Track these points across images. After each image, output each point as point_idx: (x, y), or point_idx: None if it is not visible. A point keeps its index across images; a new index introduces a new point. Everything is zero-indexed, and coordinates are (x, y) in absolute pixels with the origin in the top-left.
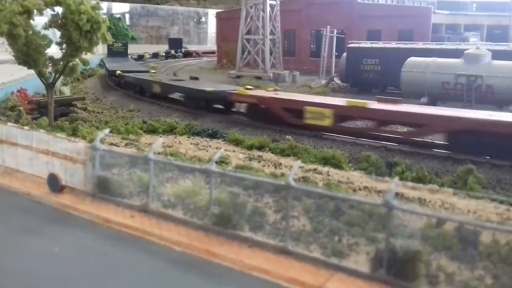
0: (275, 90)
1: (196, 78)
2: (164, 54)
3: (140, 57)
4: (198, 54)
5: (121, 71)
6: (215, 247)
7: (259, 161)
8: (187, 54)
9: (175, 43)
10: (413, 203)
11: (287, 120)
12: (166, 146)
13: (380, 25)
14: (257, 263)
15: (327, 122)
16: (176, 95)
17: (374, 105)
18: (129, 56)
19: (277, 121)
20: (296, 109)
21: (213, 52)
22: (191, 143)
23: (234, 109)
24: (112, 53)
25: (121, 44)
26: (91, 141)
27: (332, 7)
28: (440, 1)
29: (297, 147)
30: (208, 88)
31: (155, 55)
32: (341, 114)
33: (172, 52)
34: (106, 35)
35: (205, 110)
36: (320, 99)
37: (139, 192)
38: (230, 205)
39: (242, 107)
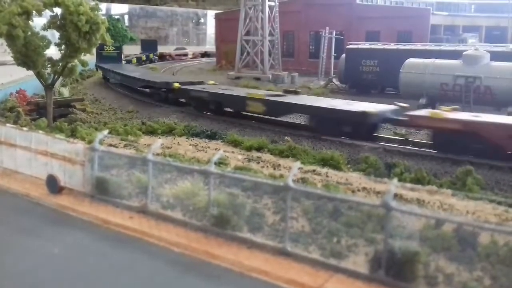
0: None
1: (296, 92)
2: (135, 58)
3: (128, 62)
4: (172, 57)
5: (179, 83)
6: (214, 248)
7: (258, 162)
8: (162, 57)
9: (149, 45)
10: (412, 204)
11: None
12: (165, 147)
13: (379, 26)
14: (256, 264)
15: None
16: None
17: None
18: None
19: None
20: None
21: (185, 55)
22: (190, 144)
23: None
24: (103, 58)
25: (113, 48)
26: (90, 142)
27: (331, 8)
28: (439, 2)
29: (296, 148)
30: (368, 109)
31: (139, 60)
32: None
33: (143, 57)
34: (105, 36)
35: (342, 135)
36: None
37: (138, 193)
38: (229, 206)
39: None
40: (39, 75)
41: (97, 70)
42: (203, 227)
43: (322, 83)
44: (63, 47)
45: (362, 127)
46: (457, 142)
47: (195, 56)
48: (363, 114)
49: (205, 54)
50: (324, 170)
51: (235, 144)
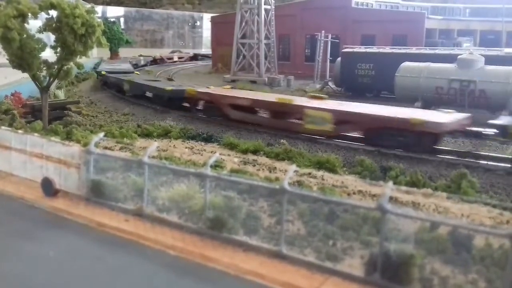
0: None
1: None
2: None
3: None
4: (163, 61)
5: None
6: (210, 251)
7: (254, 165)
8: (154, 61)
9: None
10: (407, 207)
11: None
12: (161, 150)
13: (374, 30)
14: (251, 267)
15: None
16: None
17: None
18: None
19: None
20: None
21: (171, 58)
22: (186, 147)
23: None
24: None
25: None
26: (85, 145)
27: (326, 12)
28: (434, 7)
29: (291, 151)
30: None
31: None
32: None
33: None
34: (101, 39)
35: None
36: None
37: (134, 196)
38: (224, 209)
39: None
40: (34, 78)
41: (106, 84)
42: (199, 230)
43: (317, 86)
44: (58, 49)
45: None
46: None
47: (185, 60)
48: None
49: (194, 57)
50: (320, 173)
51: (231, 147)
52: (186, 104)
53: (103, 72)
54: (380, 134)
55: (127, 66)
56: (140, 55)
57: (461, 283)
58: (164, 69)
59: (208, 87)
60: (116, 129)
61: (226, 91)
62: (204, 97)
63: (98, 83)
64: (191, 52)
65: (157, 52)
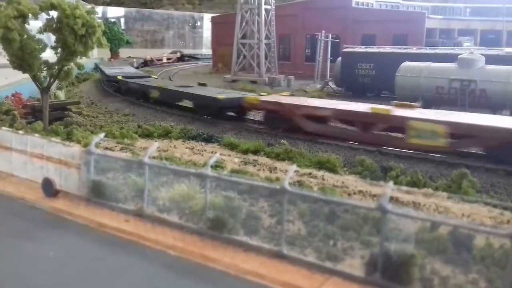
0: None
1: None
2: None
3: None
4: (153, 63)
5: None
6: (210, 251)
7: (254, 165)
8: (145, 63)
9: None
10: (408, 207)
11: None
12: (161, 150)
13: (375, 30)
14: (252, 267)
15: None
16: None
17: None
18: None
19: None
20: None
21: (160, 59)
22: (186, 147)
23: None
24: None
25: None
26: (86, 145)
27: (327, 12)
28: (434, 6)
29: (292, 151)
30: None
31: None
32: None
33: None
34: (101, 40)
35: None
36: None
37: (134, 196)
38: (225, 209)
39: None
40: (35, 78)
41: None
42: (199, 230)
43: (318, 86)
44: (59, 50)
45: None
46: None
47: (172, 61)
48: None
49: (180, 58)
50: (320, 173)
51: (232, 147)
52: (231, 113)
53: (118, 77)
54: (507, 149)
55: (133, 70)
56: (129, 57)
57: (462, 283)
58: (164, 69)
59: (260, 94)
60: (117, 130)
61: (296, 99)
62: (270, 107)
63: (99, 86)
64: (179, 53)
65: (156, 53)
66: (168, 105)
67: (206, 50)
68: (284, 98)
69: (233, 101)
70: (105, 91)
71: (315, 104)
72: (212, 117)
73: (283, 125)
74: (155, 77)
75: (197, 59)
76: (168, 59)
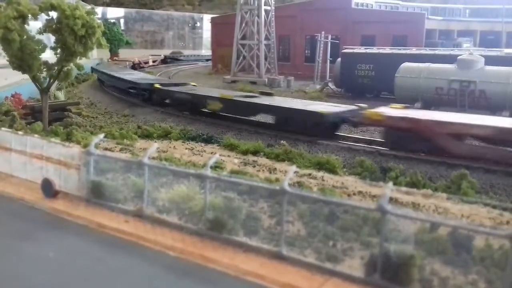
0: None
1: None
2: None
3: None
4: (140, 65)
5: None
6: (210, 252)
7: (254, 166)
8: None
9: None
10: (407, 208)
11: None
12: (161, 151)
13: (374, 30)
14: (251, 268)
15: None
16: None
17: None
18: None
19: None
20: None
21: (146, 62)
22: (186, 148)
23: None
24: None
25: None
26: (85, 146)
27: (326, 13)
28: (434, 7)
29: (291, 152)
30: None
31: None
32: None
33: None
34: (101, 40)
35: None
36: None
37: (134, 197)
38: (224, 210)
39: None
40: (34, 79)
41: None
42: (199, 231)
43: (317, 87)
44: (59, 51)
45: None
46: None
47: (157, 63)
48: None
49: (164, 60)
50: (320, 174)
51: (231, 148)
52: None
53: (156, 85)
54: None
55: (141, 74)
56: (116, 59)
57: (461, 284)
58: (163, 70)
59: (391, 107)
60: (116, 130)
61: (432, 114)
62: (401, 124)
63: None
64: (162, 55)
65: (146, 55)
66: (233, 120)
67: (205, 50)
68: (416, 113)
69: (342, 115)
70: (105, 91)
71: (464, 121)
72: (312, 136)
73: (418, 146)
74: (194, 84)
75: (180, 60)
76: (153, 61)
